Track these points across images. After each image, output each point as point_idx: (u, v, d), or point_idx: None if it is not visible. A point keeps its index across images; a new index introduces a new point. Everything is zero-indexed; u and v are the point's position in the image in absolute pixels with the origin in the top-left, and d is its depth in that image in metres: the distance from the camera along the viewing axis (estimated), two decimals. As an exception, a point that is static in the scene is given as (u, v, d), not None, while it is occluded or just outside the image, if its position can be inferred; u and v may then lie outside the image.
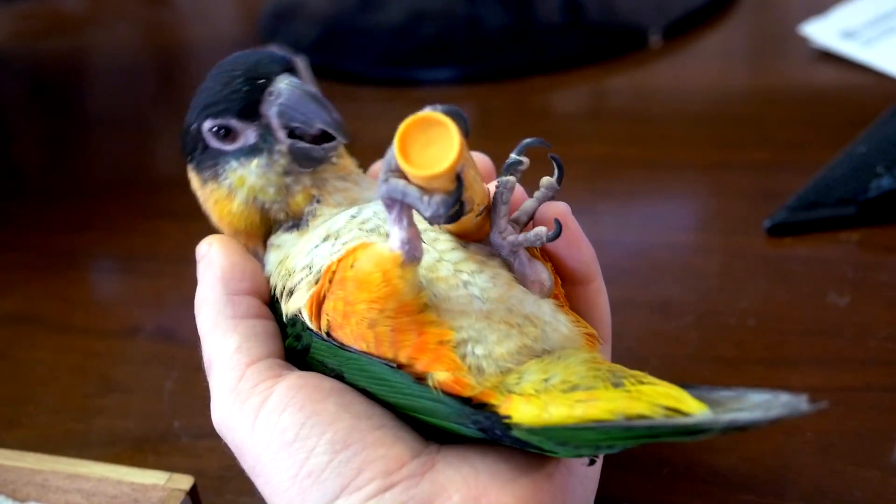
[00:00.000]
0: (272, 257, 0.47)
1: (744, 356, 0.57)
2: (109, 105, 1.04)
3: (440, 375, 0.39)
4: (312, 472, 0.39)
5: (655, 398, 0.36)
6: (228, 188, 0.47)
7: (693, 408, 0.35)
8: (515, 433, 0.38)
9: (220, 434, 0.43)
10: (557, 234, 0.42)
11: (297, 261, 0.45)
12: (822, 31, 0.87)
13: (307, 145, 0.46)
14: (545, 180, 0.45)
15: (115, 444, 0.58)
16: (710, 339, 0.59)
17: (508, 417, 0.38)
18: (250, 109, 0.45)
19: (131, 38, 1.19)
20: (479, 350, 0.40)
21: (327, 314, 0.41)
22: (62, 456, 0.52)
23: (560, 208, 0.44)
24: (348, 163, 0.49)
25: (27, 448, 0.52)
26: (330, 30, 1.05)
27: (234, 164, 0.46)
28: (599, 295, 0.46)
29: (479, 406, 0.39)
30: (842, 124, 0.75)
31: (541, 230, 0.42)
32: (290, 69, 0.46)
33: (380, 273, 0.39)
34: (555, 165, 0.44)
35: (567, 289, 0.45)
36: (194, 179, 0.49)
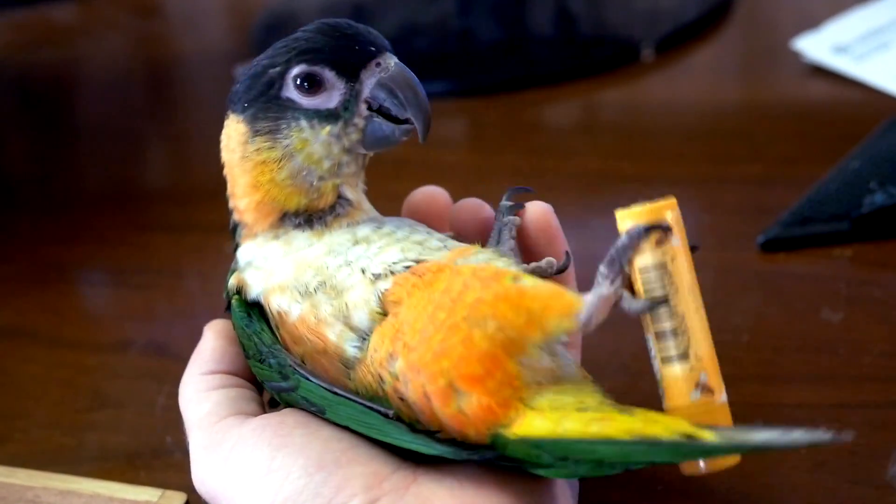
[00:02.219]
0: (276, 251, 0.46)
1: (738, 373, 0.57)
2: (101, 116, 1.04)
3: (480, 398, 0.38)
4: (289, 496, 0.39)
5: (670, 424, 0.36)
6: (283, 149, 0.44)
7: (707, 435, 0.36)
8: (515, 447, 0.38)
9: (201, 494, 0.43)
10: (565, 268, 0.45)
11: (329, 260, 0.44)
12: (814, 46, 0.87)
13: (389, 124, 0.44)
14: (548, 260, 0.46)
15: (106, 459, 0.58)
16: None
17: (509, 438, 0.38)
18: (352, 69, 0.44)
19: (122, 50, 1.19)
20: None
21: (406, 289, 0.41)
22: (53, 472, 0.52)
23: (543, 207, 0.46)
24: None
25: (18, 464, 0.52)
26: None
27: (303, 123, 0.44)
28: (571, 280, 0.47)
29: (477, 446, 0.39)
30: (834, 139, 0.75)
31: (552, 260, 0.45)
32: (392, 52, 0.45)
33: (542, 306, 0.39)
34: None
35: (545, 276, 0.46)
36: (238, 131, 0.45)
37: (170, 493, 0.50)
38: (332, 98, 0.44)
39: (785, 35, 0.91)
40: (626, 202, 0.69)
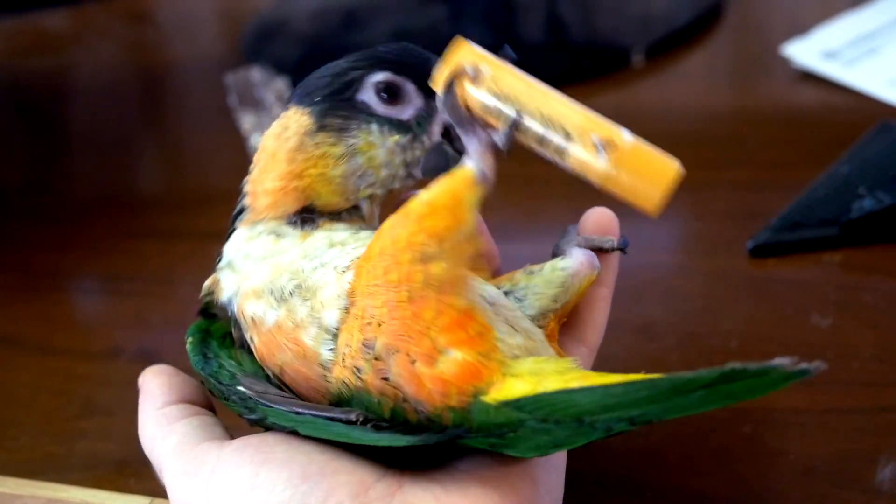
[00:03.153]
0: (258, 250, 0.46)
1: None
2: (93, 124, 1.04)
3: (464, 355, 0.39)
4: None
5: (648, 375, 0.35)
6: (347, 148, 0.45)
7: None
8: (494, 415, 0.38)
9: None
10: (623, 247, 0.49)
11: (304, 263, 0.44)
12: (803, 52, 0.88)
13: (454, 153, 0.46)
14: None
15: (96, 467, 0.58)
16: (693, 360, 0.59)
17: (489, 404, 0.38)
18: (430, 89, 0.45)
19: (115, 57, 1.19)
20: (498, 332, 0.40)
21: (364, 276, 0.41)
22: (42, 480, 0.52)
23: (607, 213, 0.49)
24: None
25: (7, 472, 0.52)
26: (313, 49, 1.05)
27: (374, 127, 0.45)
28: (604, 301, 0.48)
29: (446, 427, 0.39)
30: (824, 145, 0.75)
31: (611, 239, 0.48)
32: None
33: (450, 195, 0.40)
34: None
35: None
36: (299, 122, 0.46)
37: (159, 501, 0.50)
38: (406, 111, 0.45)
39: (775, 41, 0.91)
40: (616, 207, 0.69)
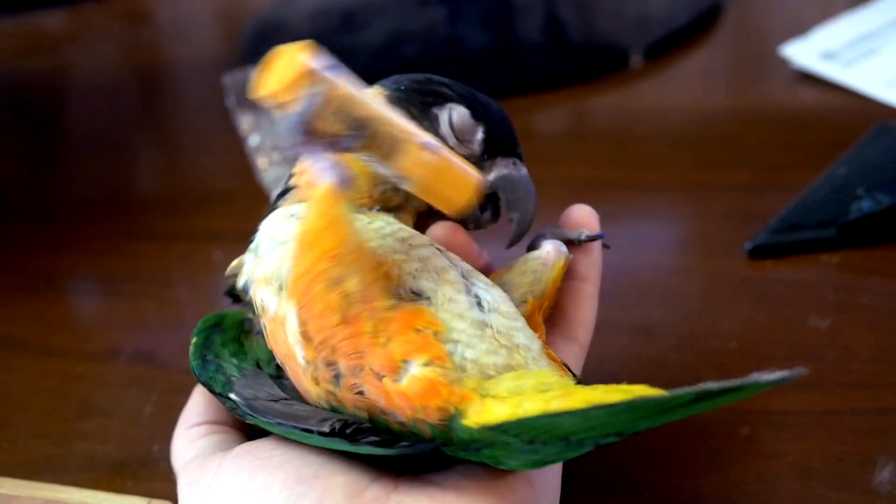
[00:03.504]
0: (281, 234, 0.45)
1: (725, 379, 0.57)
2: (90, 125, 1.04)
3: (421, 368, 0.39)
4: None
5: (630, 390, 0.35)
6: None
7: (660, 392, 0.35)
8: (479, 436, 0.38)
9: None
10: (596, 238, 0.48)
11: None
12: (802, 53, 0.87)
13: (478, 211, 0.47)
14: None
15: (93, 468, 0.58)
16: (692, 362, 0.59)
17: (471, 427, 0.38)
18: (498, 149, 0.47)
19: (112, 58, 1.19)
20: (468, 353, 0.40)
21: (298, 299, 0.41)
22: (40, 481, 0.52)
23: (587, 211, 0.49)
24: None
25: (4, 473, 0.52)
26: (312, 50, 1.05)
27: None
28: (591, 298, 0.48)
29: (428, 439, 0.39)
30: (822, 146, 0.75)
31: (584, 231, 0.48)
32: None
33: (323, 216, 0.40)
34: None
35: (565, 283, 0.48)
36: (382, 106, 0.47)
37: (156, 501, 0.50)
38: (460, 149, 0.46)
39: (773, 42, 0.91)
40: (615, 209, 0.69)
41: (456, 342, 0.40)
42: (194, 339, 0.47)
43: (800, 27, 0.91)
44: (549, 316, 0.47)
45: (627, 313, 0.63)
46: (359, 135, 0.40)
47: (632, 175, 0.79)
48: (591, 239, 0.49)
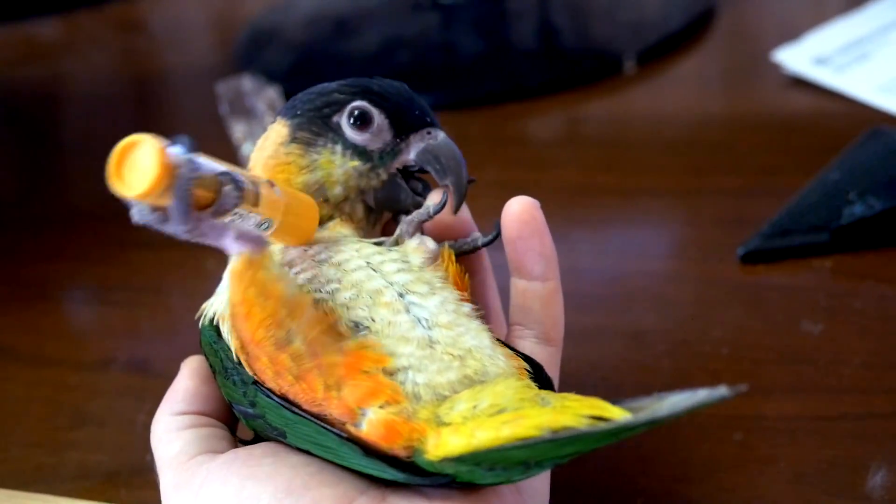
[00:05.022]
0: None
1: (718, 384, 0.57)
2: (84, 133, 1.04)
3: (376, 412, 0.39)
4: None
5: (580, 410, 0.36)
6: (310, 162, 0.47)
7: (615, 414, 0.35)
8: (443, 467, 0.38)
9: None
10: (495, 237, 0.47)
11: None
12: (794, 58, 0.88)
13: (407, 191, 0.47)
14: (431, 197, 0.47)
15: (86, 478, 0.58)
16: (684, 367, 0.59)
17: (433, 461, 0.38)
18: (406, 128, 0.47)
19: (106, 65, 1.19)
20: (419, 378, 0.40)
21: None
22: (33, 491, 0.52)
23: (527, 202, 0.46)
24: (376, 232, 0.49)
25: (-3, 484, 0.52)
26: (305, 57, 1.05)
27: (338, 148, 0.46)
28: (555, 294, 0.47)
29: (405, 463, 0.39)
30: (815, 151, 0.75)
31: (477, 235, 0.47)
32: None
33: (250, 285, 0.40)
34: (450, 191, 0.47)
35: (525, 285, 0.47)
36: (279, 133, 0.47)
37: (149, 511, 0.50)
38: (373, 142, 0.47)
39: (766, 47, 0.91)
40: (608, 215, 0.69)
41: (406, 369, 0.40)
42: (205, 334, 0.46)
43: (792, 32, 0.91)
44: (520, 320, 0.47)
45: (620, 319, 0.63)
46: (231, 191, 0.39)
47: (625, 180, 0.79)
48: (488, 242, 0.48)
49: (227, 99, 0.93)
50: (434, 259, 0.45)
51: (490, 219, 0.49)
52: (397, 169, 0.47)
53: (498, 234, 0.47)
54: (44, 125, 1.06)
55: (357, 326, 0.41)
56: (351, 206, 0.47)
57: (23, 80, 1.15)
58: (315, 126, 0.47)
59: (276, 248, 0.45)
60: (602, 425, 0.35)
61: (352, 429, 0.39)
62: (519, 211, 0.46)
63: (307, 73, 1.01)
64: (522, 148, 0.89)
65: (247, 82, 0.94)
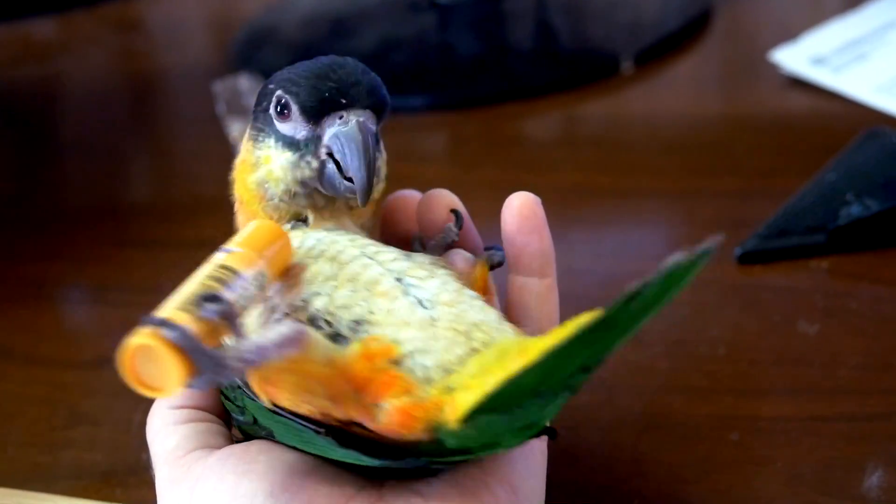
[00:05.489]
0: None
1: (714, 386, 0.57)
2: (81, 132, 1.04)
3: (393, 403, 0.38)
4: None
5: (579, 321, 0.35)
6: (256, 158, 0.45)
7: (602, 310, 0.35)
8: (462, 432, 0.37)
9: None
10: (459, 223, 0.46)
11: None
12: (792, 58, 0.88)
13: (339, 177, 0.44)
14: (447, 226, 0.47)
15: (82, 477, 0.58)
16: (681, 368, 0.59)
17: (454, 429, 0.37)
18: (314, 113, 0.44)
19: (103, 65, 1.18)
20: (427, 361, 0.39)
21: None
22: (28, 490, 0.52)
23: (528, 198, 0.46)
24: (364, 212, 0.47)
25: (-8, 483, 0.52)
26: (302, 57, 1.04)
27: (272, 141, 0.45)
28: (552, 292, 0.47)
29: (410, 449, 0.38)
30: (812, 151, 0.75)
31: (449, 226, 0.46)
32: (381, 108, 0.45)
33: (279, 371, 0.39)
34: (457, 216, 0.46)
35: (522, 281, 0.46)
36: (246, 132, 0.47)
37: (144, 510, 0.50)
38: (297, 130, 0.45)
39: (763, 47, 0.91)
40: (605, 216, 0.69)
41: (412, 354, 0.39)
42: None
43: (789, 33, 0.91)
44: (515, 317, 0.46)
45: (616, 320, 0.63)
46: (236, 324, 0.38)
47: (622, 181, 0.79)
48: (498, 264, 0.47)
49: (224, 98, 0.93)
50: (466, 274, 0.45)
51: (487, 218, 0.49)
52: (328, 154, 0.44)
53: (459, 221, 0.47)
54: (40, 125, 1.05)
55: (358, 324, 0.41)
56: (306, 199, 0.45)
57: (20, 79, 1.15)
58: (258, 121, 0.46)
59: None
60: (587, 321, 0.34)
61: (372, 425, 0.39)
62: (519, 206, 0.46)
63: (304, 72, 1.01)
64: (519, 148, 0.89)
65: (244, 81, 0.94)
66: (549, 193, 0.77)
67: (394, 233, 0.49)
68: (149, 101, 1.10)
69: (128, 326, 0.69)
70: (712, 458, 0.52)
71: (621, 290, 0.33)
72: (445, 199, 0.48)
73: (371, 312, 0.40)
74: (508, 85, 0.94)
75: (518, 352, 0.37)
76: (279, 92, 0.45)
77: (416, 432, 0.38)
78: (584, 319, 0.34)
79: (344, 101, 0.44)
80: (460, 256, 0.45)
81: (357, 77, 0.45)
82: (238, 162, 0.47)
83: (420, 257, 0.44)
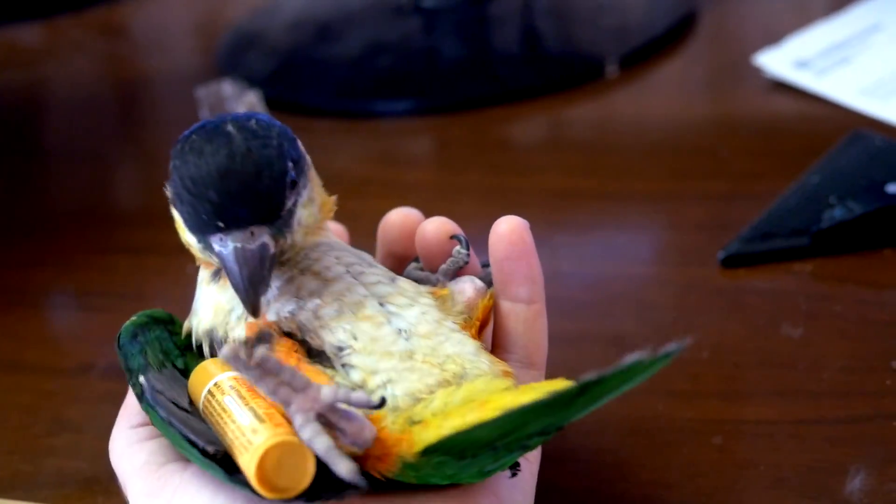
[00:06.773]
0: (206, 295, 0.46)
1: (698, 389, 0.57)
2: (66, 138, 1.03)
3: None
4: None
5: (542, 388, 0.36)
6: (177, 219, 0.45)
7: (567, 384, 0.35)
8: (418, 465, 0.38)
9: None
10: (466, 246, 0.47)
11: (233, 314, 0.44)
12: (775, 61, 0.88)
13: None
14: (455, 250, 0.47)
15: (64, 485, 0.57)
16: (665, 372, 0.57)
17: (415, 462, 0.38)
18: (197, 232, 0.42)
19: (88, 71, 1.18)
20: (397, 389, 0.40)
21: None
22: (10, 498, 0.51)
23: (516, 223, 0.45)
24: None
25: (-26, 491, 0.52)
26: (287, 62, 1.05)
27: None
28: (539, 317, 0.47)
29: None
30: (796, 154, 0.75)
31: (458, 249, 0.46)
32: (273, 216, 0.42)
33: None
34: (460, 241, 0.47)
35: (510, 307, 0.46)
36: None
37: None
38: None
39: (748, 50, 0.91)
40: (590, 219, 0.69)
41: (385, 384, 0.40)
42: (134, 318, 0.47)
43: (773, 36, 0.92)
44: (502, 343, 0.47)
45: (600, 324, 0.63)
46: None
47: (607, 185, 0.79)
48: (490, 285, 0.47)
49: (208, 103, 0.92)
50: (469, 306, 0.45)
51: (473, 223, 0.49)
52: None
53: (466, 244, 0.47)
54: (25, 130, 1.05)
55: (341, 350, 0.41)
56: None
57: (4, 85, 1.15)
58: None
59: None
60: (546, 396, 0.34)
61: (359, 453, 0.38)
62: (508, 231, 0.45)
63: (289, 77, 1.01)
64: (505, 152, 0.88)
65: (227, 86, 0.93)
66: (535, 197, 0.78)
67: (391, 251, 0.50)
68: (134, 107, 1.09)
69: (112, 332, 0.69)
70: (696, 462, 0.52)
71: (580, 376, 0.35)
72: (445, 227, 0.47)
73: (354, 338, 0.41)
74: (494, 89, 0.94)
75: (481, 403, 0.37)
76: (169, 195, 0.43)
77: (388, 468, 0.38)
78: (547, 388, 0.35)
79: (221, 225, 0.41)
80: (472, 286, 0.45)
81: (242, 189, 0.40)
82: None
83: (405, 283, 0.44)
